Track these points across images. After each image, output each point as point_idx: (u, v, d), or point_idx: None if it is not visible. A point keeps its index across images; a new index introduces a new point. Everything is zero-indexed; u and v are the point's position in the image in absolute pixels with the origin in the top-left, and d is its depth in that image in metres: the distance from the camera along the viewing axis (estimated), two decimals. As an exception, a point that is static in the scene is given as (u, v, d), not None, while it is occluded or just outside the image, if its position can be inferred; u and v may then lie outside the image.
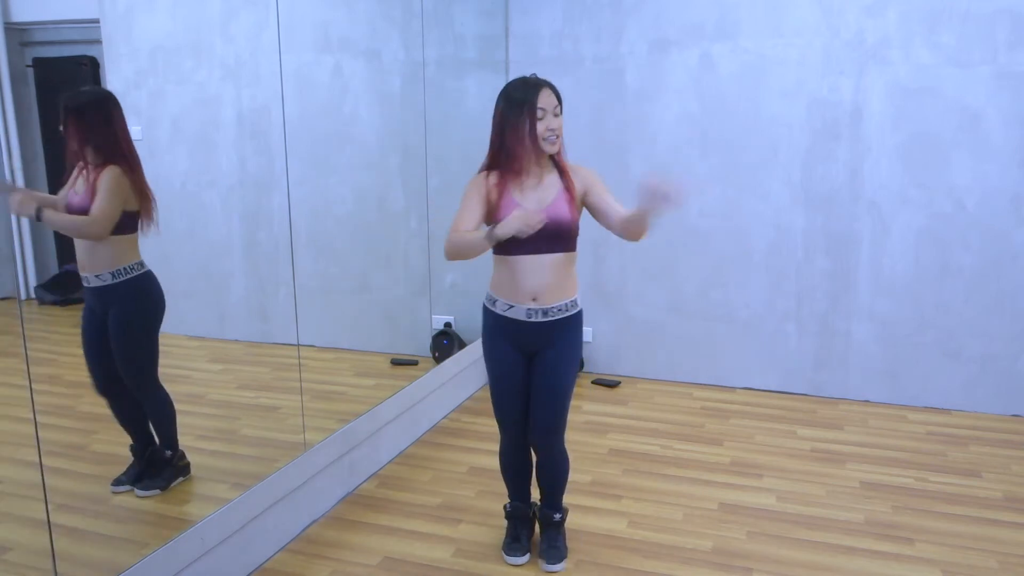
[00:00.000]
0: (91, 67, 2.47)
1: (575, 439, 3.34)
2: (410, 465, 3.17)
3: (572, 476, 3.01)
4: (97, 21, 2.43)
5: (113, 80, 2.50)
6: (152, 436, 2.48)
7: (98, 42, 2.45)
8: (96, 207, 2.15)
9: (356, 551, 2.52)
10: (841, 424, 3.55)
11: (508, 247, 2.20)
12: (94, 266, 2.30)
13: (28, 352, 1.92)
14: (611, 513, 2.75)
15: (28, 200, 2.14)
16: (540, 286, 2.25)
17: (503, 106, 2.22)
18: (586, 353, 4.20)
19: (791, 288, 3.86)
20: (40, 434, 1.89)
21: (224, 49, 2.92)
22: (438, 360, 3.81)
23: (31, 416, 2.19)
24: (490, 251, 2.26)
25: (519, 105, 2.19)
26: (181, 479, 2.52)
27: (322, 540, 2.59)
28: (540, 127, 2.19)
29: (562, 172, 2.28)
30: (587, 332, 4.17)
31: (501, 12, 4.07)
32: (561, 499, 2.48)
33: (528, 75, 2.25)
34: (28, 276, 2.50)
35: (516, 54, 4.11)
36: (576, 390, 3.70)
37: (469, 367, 3.94)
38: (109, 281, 2.31)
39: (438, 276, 3.91)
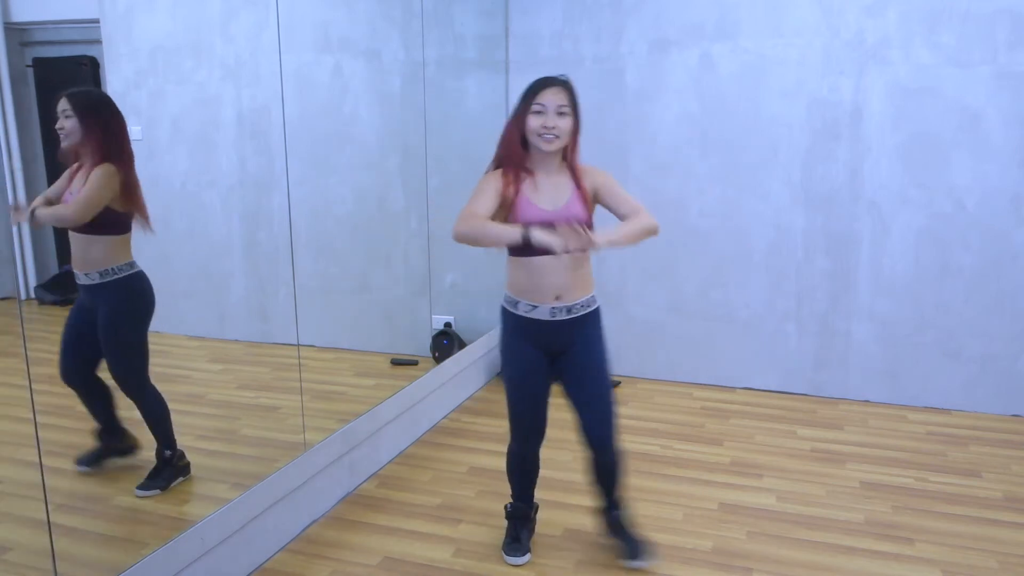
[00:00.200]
0: (91, 67, 2.47)
1: (575, 439, 3.33)
2: (410, 465, 3.17)
3: (570, 476, 3.02)
4: (97, 21, 2.43)
5: (113, 80, 2.50)
6: (119, 424, 2.47)
7: (98, 42, 2.45)
8: (78, 196, 2.16)
9: (356, 551, 2.52)
10: (841, 424, 3.55)
11: (526, 249, 2.16)
12: (86, 264, 2.31)
13: (28, 352, 1.92)
14: (611, 513, 2.75)
15: (21, 212, 2.17)
16: (562, 284, 2.22)
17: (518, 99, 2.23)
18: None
19: (791, 288, 3.86)
20: (40, 434, 1.89)
21: (224, 49, 2.92)
22: (438, 360, 3.81)
23: (31, 416, 2.19)
24: (504, 254, 2.25)
25: (522, 98, 2.20)
26: (181, 479, 2.52)
27: (322, 540, 2.59)
28: (535, 122, 2.17)
29: (575, 174, 2.26)
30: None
31: (501, 12, 4.07)
32: (622, 495, 2.46)
33: (557, 75, 2.23)
34: (28, 276, 2.51)
35: (516, 54, 4.11)
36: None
37: (469, 367, 3.94)
38: (98, 280, 2.32)
39: (438, 276, 3.92)
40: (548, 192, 2.22)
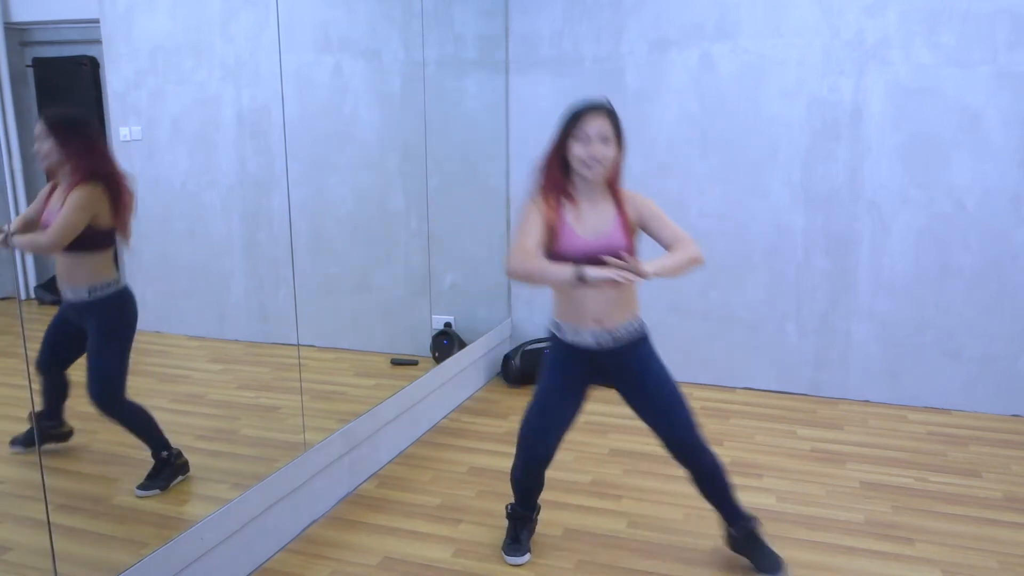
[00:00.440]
0: (91, 67, 2.47)
1: (575, 439, 3.34)
2: (410, 465, 3.17)
3: (572, 476, 3.02)
4: (97, 21, 2.43)
5: (113, 80, 2.50)
6: (61, 416, 2.45)
7: (98, 42, 2.45)
8: (55, 223, 2.12)
9: (356, 551, 2.52)
10: (841, 424, 3.55)
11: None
12: (72, 281, 2.30)
13: (28, 352, 1.92)
14: (611, 513, 2.75)
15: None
16: (602, 310, 2.22)
17: (558, 122, 2.20)
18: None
19: (791, 288, 3.86)
20: (40, 433, 1.89)
21: (224, 49, 2.92)
22: (438, 360, 3.81)
23: (31, 416, 2.19)
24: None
25: (563, 123, 2.18)
26: (181, 478, 2.52)
27: (322, 540, 2.59)
28: (579, 150, 2.14)
29: (617, 200, 2.23)
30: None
31: (501, 12, 4.07)
32: (739, 504, 2.40)
33: (598, 97, 2.20)
34: (28, 276, 2.51)
35: (516, 54, 4.11)
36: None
37: (469, 367, 3.94)
38: (86, 298, 2.31)
39: (438, 276, 3.92)
40: (591, 220, 2.19)
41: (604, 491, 2.91)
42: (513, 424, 3.59)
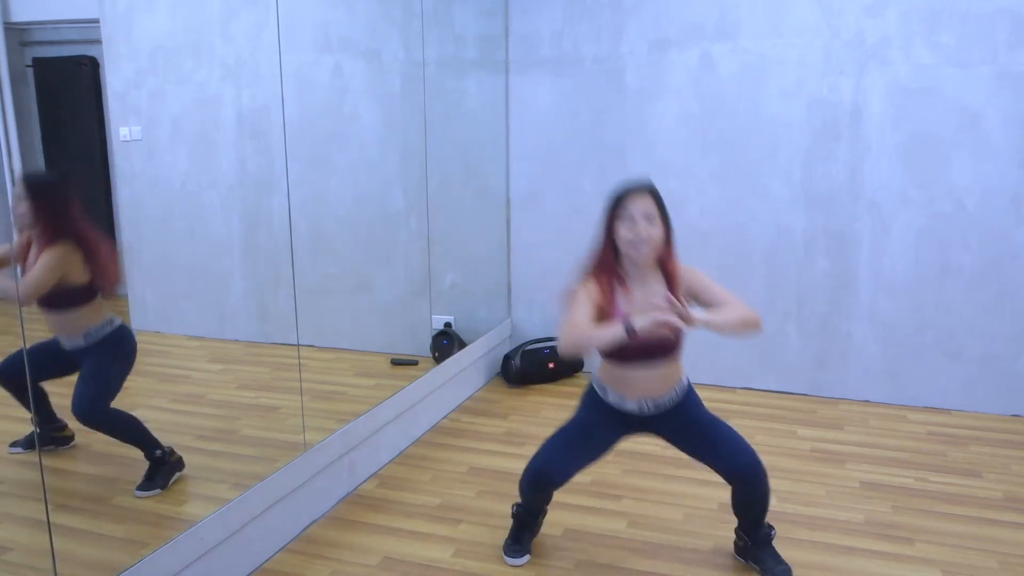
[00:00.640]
0: (91, 67, 2.47)
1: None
2: (410, 465, 3.17)
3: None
4: (97, 21, 2.43)
5: (113, 80, 2.51)
6: (55, 416, 2.45)
7: (98, 42, 2.45)
8: (26, 278, 2.15)
9: (356, 551, 2.52)
10: (841, 424, 3.55)
11: (617, 358, 2.19)
12: (63, 332, 2.32)
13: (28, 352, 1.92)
14: (611, 513, 2.75)
15: None
16: (650, 390, 2.27)
17: (604, 206, 2.22)
18: (586, 353, 4.20)
19: (791, 288, 3.86)
20: (40, 433, 1.89)
21: (224, 49, 2.92)
22: (438, 360, 3.81)
23: (31, 416, 2.19)
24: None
25: (608, 206, 2.20)
26: (178, 474, 2.52)
27: (322, 540, 2.59)
28: (626, 232, 2.14)
29: (669, 278, 2.23)
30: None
31: (501, 12, 4.07)
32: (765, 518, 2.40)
33: (640, 178, 2.22)
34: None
35: (516, 54, 4.11)
36: (576, 390, 3.71)
37: (469, 367, 3.95)
38: (82, 344, 2.34)
39: (438, 276, 3.92)
40: (641, 300, 2.20)
41: (604, 491, 2.91)
42: (513, 424, 3.59)
